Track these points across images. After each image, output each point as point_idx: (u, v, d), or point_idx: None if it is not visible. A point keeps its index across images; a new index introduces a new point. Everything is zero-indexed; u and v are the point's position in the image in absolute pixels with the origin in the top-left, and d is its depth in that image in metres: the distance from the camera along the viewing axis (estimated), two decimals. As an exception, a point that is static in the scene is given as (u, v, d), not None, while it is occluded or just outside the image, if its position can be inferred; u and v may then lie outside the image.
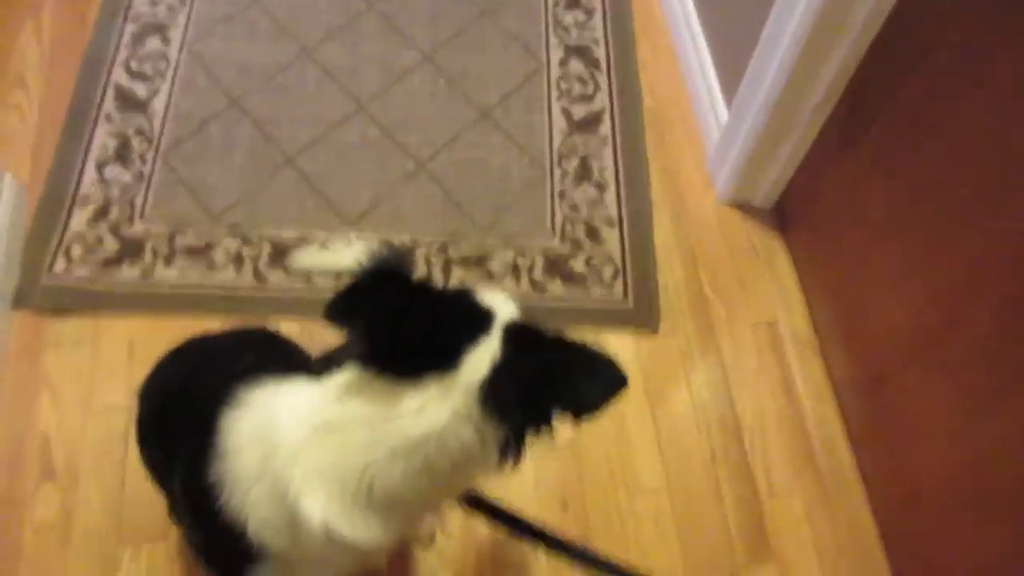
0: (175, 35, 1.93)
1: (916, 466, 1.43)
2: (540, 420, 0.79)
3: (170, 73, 1.88)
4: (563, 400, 0.78)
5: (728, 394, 1.64)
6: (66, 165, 1.73)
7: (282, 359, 1.12)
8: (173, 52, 1.91)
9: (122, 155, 1.76)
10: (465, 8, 2.04)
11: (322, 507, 0.78)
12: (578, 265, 1.71)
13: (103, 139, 1.78)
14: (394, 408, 0.76)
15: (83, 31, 1.95)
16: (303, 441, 0.80)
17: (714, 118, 1.86)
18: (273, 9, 1.99)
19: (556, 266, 1.70)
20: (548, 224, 1.76)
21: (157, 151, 1.77)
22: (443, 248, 1.69)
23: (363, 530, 0.79)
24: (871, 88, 1.45)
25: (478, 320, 0.79)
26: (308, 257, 1.46)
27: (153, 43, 1.92)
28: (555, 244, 1.73)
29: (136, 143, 1.78)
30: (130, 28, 1.94)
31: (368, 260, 0.90)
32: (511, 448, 0.79)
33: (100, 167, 1.74)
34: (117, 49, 1.91)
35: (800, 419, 1.63)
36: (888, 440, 1.51)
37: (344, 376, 0.80)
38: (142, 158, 1.76)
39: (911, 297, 1.40)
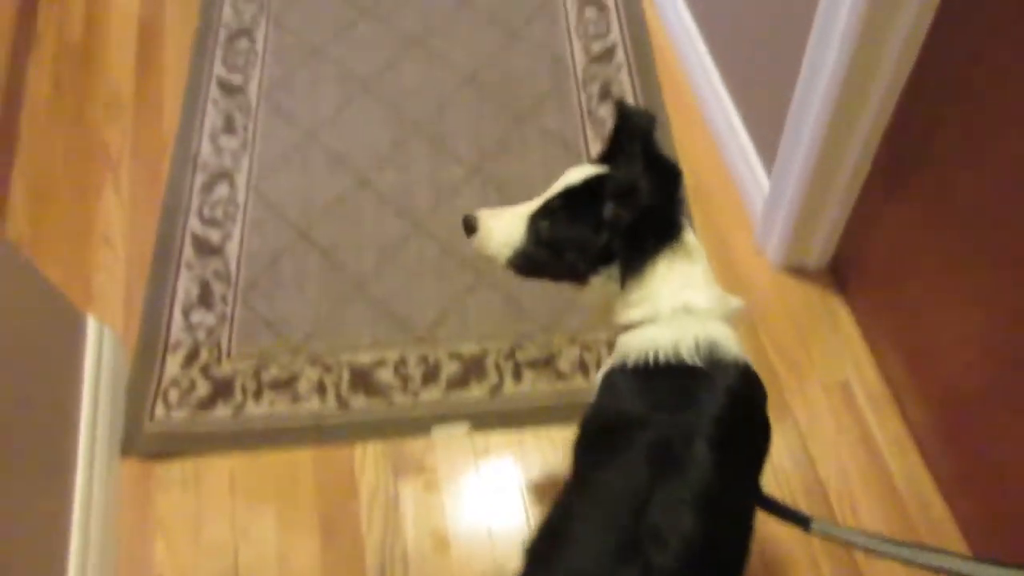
0: (240, 179, 2.08)
1: (1017, 511, 1.41)
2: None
3: (240, 215, 2.02)
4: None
5: (809, 459, 1.65)
6: (155, 315, 1.87)
7: None
8: (240, 195, 2.05)
9: (204, 299, 1.89)
10: (504, 117, 2.15)
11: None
12: (643, 350, 1.75)
13: (186, 285, 1.92)
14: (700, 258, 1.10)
15: (158, 185, 2.11)
16: (703, 305, 1.07)
17: (756, 187, 1.90)
18: (327, 143, 2.13)
19: (621, 354, 1.75)
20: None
21: (236, 291, 1.90)
22: (511, 353, 1.76)
23: None
24: (908, 136, 1.48)
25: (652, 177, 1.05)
26: None
27: (222, 189, 2.07)
28: (618, 332, 1.78)
29: (216, 286, 1.91)
30: (200, 177, 2.09)
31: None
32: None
33: (186, 313, 1.87)
34: (190, 199, 2.06)
35: (886, 476, 1.62)
36: (981, 486, 1.49)
37: (676, 256, 1.08)
38: (223, 299, 1.89)
39: (981, 336, 1.40)
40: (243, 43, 2.35)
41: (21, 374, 1.47)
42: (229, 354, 1.80)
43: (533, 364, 1.74)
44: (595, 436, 1.10)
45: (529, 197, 1.20)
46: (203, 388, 1.76)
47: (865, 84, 1.44)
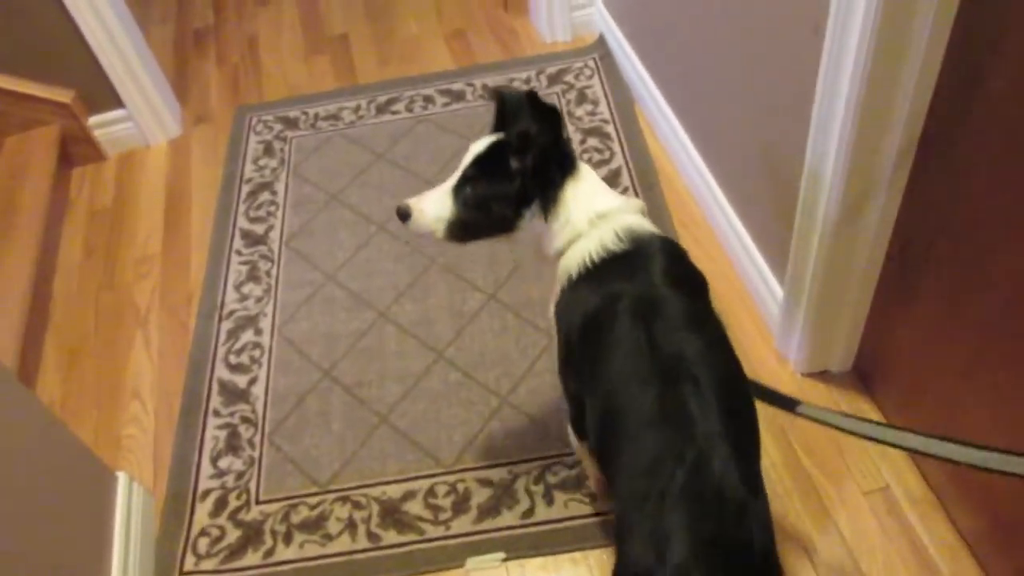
0: (265, 324, 2.13)
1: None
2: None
3: (265, 359, 2.06)
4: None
5: (857, 570, 1.59)
6: (184, 464, 1.88)
7: None
8: (265, 339, 2.10)
9: (232, 444, 1.90)
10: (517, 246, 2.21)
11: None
12: (674, 466, 1.73)
13: (213, 432, 1.93)
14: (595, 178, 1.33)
15: (185, 336, 2.17)
16: (610, 208, 1.29)
17: (770, 295, 1.92)
18: (346, 282, 2.19)
19: (652, 471, 1.72)
20: (636, 430, 1.80)
21: (263, 434, 1.91)
22: (540, 476, 1.74)
23: None
24: (919, 233, 1.49)
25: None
26: None
27: (247, 335, 2.12)
28: (647, 449, 1.76)
29: (243, 430, 1.92)
30: (226, 325, 2.15)
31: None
32: None
33: (214, 460, 1.88)
34: (216, 347, 2.10)
35: (942, 584, 1.56)
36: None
37: (577, 182, 1.29)
38: (250, 443, 1.89)
39: (1020, 431, 1.37)
40: (265, 195, 2.47)
41: (53, 532, 1.47)
42: (258, 498, 1.79)
43: (563, 486, 1.72)
44: (580, 343, 1.27)
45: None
46: (232, 535, 1.74)
47: (864, 197, 1.48)
